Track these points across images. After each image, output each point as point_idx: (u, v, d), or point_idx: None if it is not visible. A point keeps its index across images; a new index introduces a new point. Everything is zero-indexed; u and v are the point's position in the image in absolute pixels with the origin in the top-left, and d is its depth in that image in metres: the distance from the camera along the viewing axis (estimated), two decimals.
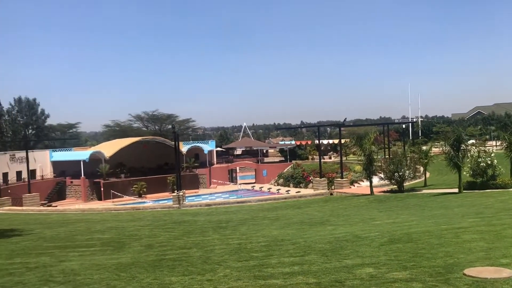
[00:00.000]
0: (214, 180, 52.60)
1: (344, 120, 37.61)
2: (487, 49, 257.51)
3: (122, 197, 42.77)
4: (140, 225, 16.76)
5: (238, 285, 6.19)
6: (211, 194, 44.71)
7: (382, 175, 28.47)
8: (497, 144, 40.83)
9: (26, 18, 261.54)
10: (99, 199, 43.71)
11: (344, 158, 40.25)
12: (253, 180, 53.96)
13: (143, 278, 6.92)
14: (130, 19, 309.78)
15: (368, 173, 27.46)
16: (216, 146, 61.06)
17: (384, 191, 27.06)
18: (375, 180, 29.49)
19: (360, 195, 26.57)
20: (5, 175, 40.70)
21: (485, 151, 24.87)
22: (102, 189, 43.81)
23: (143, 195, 44.19)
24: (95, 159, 45.72)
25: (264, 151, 64.38)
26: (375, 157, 27.71)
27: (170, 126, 66.06)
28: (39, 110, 70.45)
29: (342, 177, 32.94)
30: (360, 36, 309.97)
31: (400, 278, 6.08)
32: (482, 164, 23.68)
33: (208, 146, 56.11)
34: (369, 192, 26.39)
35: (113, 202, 39.90)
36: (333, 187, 32.35)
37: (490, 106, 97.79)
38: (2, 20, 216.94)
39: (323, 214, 18.61)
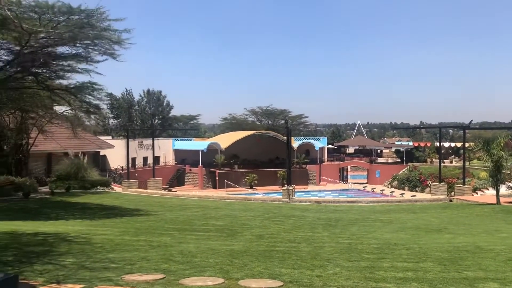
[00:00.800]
0: (324, 178, 52.25)
1: (470, 122, 34.72)
2: None
3: (235, 187, 44.58)
4: (251, 215, 17.27)
5: (348, 284, 6.06)
6: (320, 191, 44.52)
7: (511, 184, 25.84)
8: None
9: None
10: (214, 187, 46.09)
11: (467, 163, 37.27)
12: (365, 181, 52.52)
13: (254, 267, 7.11)
14: (259, 17, 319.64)
15: (495, 181, 25.05)
16: (328, 143, 60.51)
17: None
18: (503, 189, 26.82)
19: (484, 204, 24.38)
20: (134, 159, 44.82)
21: None
22: (217, 178, 46.14)
23: (254, 187, 45.58)
24: (212, 149, 48.24)
25: (378, 151, 62.23)
26: (504, 164, 25.14)
27: (282, 121, 67.05)
28: (165, 101, 76.29)
29: (464, 183, 30.51)
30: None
31: None
32: None
33: (320, 143, 55.84)
34: (494, 202, 24.08)
35: (226, 191, 41.74)
36: (453, 193, 30.14)
37: None
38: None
39: (441, 221, 17.42)
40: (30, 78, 18.88)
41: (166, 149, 51.56)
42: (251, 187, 45.53)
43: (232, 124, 75.40)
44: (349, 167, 56.14)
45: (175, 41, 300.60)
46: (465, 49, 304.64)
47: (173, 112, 78.89)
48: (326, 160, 56.64)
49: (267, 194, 38.17)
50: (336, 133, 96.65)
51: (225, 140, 50.93)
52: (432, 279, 6.59)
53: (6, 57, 17.19)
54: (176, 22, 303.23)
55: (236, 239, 10.71)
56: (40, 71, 18.40)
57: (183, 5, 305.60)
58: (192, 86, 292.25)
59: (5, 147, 27.71)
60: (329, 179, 52.07)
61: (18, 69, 17.53)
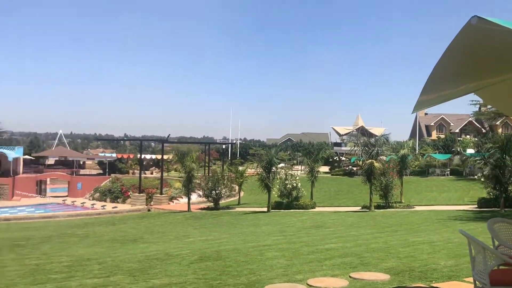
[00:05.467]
0: (18, 192, 46.87)
1: (168, 136, 37.64)
2: (301, 85, 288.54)
3: None
4: None
5: None
6: (12, 207, 39.60)
7: (200, 192, 29.16)
8: (302, 168, 45.65)
9: None
10: None
11: (166, 174, 40.10)
12: (66, 193, 49.76)
13: None
14: None
15: (187, 190, 27.82)
16: (25, 154, 54.71)
17: (201, 208, 27.71)
18: (194, 197, 30.03)
19: (178, 212, 26.68)
20: None
21: (291, 174, 27.52)
22: None
23: None
24: None
25: (81, 162, 60.11)
26: (195, 174, 28.25)
27: None
28: None
29: (161, 193, 32.67)
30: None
31: None
32: (288, 186, 26.18)
33: (14, 153, 49.89)
34: (186, 209, 26.69)
35: None
36: (151, 203, 31.84)
37: (299, 134, 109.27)
38: None
39: (138, 231, 18.08)
40: None
41: None
42: None
43: None
44: (48, 179, 52.10)
45: None
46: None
47: None
48: (21, 172, 50.97)
49: None
50: (35, 143, 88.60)
51: None
52: None
53: None
54: None
55: None
56: None
57: None
58: None
59: None
60: (25, 193, 47.00)
61: None
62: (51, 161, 60.51)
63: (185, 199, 33.33)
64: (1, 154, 48.12)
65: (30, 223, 22.87)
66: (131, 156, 61.51)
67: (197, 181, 29.02)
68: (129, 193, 41.36)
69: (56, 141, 79.20)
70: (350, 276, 7.37)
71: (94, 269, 8.68)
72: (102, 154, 69.32)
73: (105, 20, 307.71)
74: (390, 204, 25.23)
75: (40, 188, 50.21)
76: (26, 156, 55.72)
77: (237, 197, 32.80)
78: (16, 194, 46.68)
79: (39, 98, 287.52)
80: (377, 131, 62.62)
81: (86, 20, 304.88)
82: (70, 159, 58.36)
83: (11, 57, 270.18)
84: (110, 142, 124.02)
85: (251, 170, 33.03)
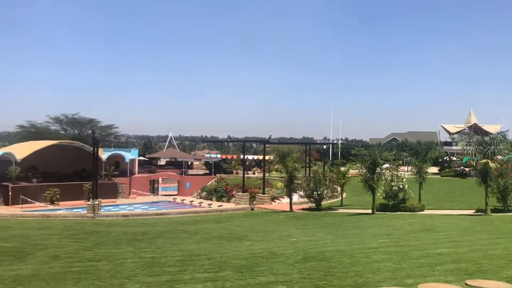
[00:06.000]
0: (134, 190, 50.89)
1: (269, 137, 38.21)
2: (404, 81, 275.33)
3: (33, 203, 39.99)
4: (48, 234, 15.68)
5: None
6: (129, 204, 43.13)
7: (302, 193, 29.16)
8: (409, 169, 43.56)
9: None
10: (6, 203, 40.47)
11: (267, 174, 40.82)
12: (175, 192, 52.96)
13: None
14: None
15: (289, 190, 28.00)
16: (139, 155, 59.27)
17: (303, 209, 27.70)
18: (295, 197, 30.14)
19: (280, 212, 26.98)
20: None
21: (397, 175, 26.34)
22: (10, 193, 40.65)
23: (55, 202, 41.60)
24: (5, 160, 42.46)
25: (189, 163, 63.54)
26: (296, 175, 28.34)
27: (90, 131, 63.29)
28: None
29: (264, 193, 33.30)
30: (292, 59, 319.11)
31: None
32: (394, 187, 25.10)
33: (130, 155, 54.30)
34: (288, 209, 26.88)
35: (21, 208, 37.12)
36: (254, 202, 32.59)
37: (404, 134, 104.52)
38: None
39: (242, 229, 18.60)
40: None
41: None
42: (52, 203, 41.43)
43: (30, 133, 67.70)
44: (160, 179, 55.93)
45: None
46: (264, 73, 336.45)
47: None
48: (137, 172, 55.31)
49: (70, 209, 35.31)
50: (148, 145, 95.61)
51: (21, 150, 45.36)
52: (229, 287, 6.90)
53: None
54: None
55: (25, 262, 9.54)
56: None
57: None
58: None
59: None
60: (140, 191, 50.94)
61: None
62: (162, 162, 64.85)
63: (286, 199, 33.61)
64: (119, 156, 52.63)
65: (145, 219, 24.66)
66: (235, 156, 63.59)
67: (298, 182, 29.07)
68: (233, 193, 42.79)
69: (167, 143, 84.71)
70: (466, 284, 6.85)
71: (204, 264, 9.10)
72: (208, 155, 72.63)
73: (209, 24, 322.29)
74: (510, 207, 23.03)
75: (153, 187, 54.06)
76: (141, 157, 60.34)
77: (340, 198, 32.25)
78: (133, 193, 50.71)
79: (151, 103, 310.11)
80: (492, 128, 57.56)
81: (181, 23, 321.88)
82: (179, 160, 62.00)
83: (133, 69, 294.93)
84: (215, 143, 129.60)
85: (354, 170, 32.28)
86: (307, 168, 38.77)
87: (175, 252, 11.10)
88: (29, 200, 40.59)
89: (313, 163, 51.21)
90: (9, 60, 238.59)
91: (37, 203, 40.42)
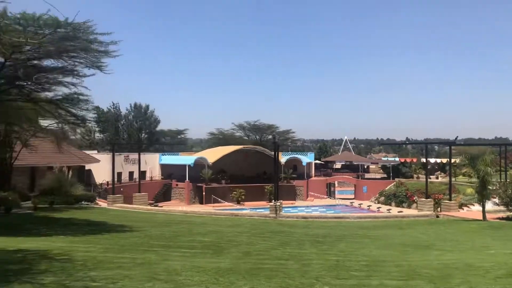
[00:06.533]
0: (311, 193, 52.19)
1: (456, 138, 34.94)
2: None
3: (222, 202, 44.24)
4: (238, 231, 17.05)
5: None
6: (307, 206, 44.36)
7: (497, 200, 25.98)
8: None
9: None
10: (201, 202, 45.66)
11: (453, 179, 37.50)
12: (352, 196, 52.58)
13: (241, 285, 6.94)
14: (240, 29, 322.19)
15: (481, 197, 25.19)
16: (315, 159, 60.62)
17: (499, 218, 24.64)
18: (489, 205, 26.96)
19: (470, 220, 24.50)
20: (119, 174, 44.27)
21: None
22: (204, 193, 45.74)
23: (241, 202, 45.28)
24: (199, 164, 47.94)
25: (365, 166, 62.44)
26: (490, 180, 25.32)
27: (270, 136, 67.11)
28: (152, 116, 75.93)
29: (450, 199, 30.66)
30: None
31: None
32: None
33: (307, 158, 55.91)
34: (481, 218, 24.19)
35: (213, 206, 41.37)
36: (439, 209, 30.25)
37: None
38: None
39: (428, 237, 17.38)
40: (15, 91, 18.57)
41: (152, 163, 51.11)
42: (238, 202, 45.24)
43: (219, 139, 75.23)
44: (336, 182, 56.24)
45: (162, 55, 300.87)
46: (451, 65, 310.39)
47: (160, 127, 78.64)
48: (313, 175, 56.66)
49: (254, 209, 37.94)
50: (323, 149, 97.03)
51: (212, 154, 50.70)
52: None
53: None
54: (162, 36, 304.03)
55: (222, 256, 10.50)
56: (25, 83, 18.12)
57: (170, 19, 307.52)
58: (179, 101, 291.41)
59: None
60: (316, 194, 52.02)
61: (2, 81, 17.25)
62: (338, 165, 65.04)
63: (477, 207, 30.34)
64: (297, 159, 54.60)
65: (325, 222, 24.96)
66: (414, 160, 60.10)
67: (493, 187, 25.93)
68: (415, 198, 40.49)
69: (342, 147, 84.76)
70: None
71: (392, 271, 8.74)
72: (385, 159, 70.26)
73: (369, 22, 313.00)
74: None
75: (329, 190, 54.61)
76: (317, 161, 61.62)
77: None
78: (310, 195, 52.06)
79: (325, 108, 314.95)
80: None
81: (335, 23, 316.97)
82: (355, 163, 61.41)
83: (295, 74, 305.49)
84: (392, 146, 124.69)
85: None
86: (503, 173, 34.36)
87: (359, 257, 10.93)
88: (219, 199, 44.93)
89: (510, 167, 45.16)
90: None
91: (226, 203, 44.52)
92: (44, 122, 27.21)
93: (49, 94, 19.56)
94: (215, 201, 44.33)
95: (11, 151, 28.18)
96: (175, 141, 79.52)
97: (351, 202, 47.81)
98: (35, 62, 16.60)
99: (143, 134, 74.68)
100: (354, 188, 53.58)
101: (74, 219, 20.00)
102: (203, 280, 7.17)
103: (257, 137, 75.17)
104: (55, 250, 10.18)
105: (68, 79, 18.26)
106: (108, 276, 7.27)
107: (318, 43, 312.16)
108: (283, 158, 52.24)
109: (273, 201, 28.26)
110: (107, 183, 39.90)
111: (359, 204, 45.82)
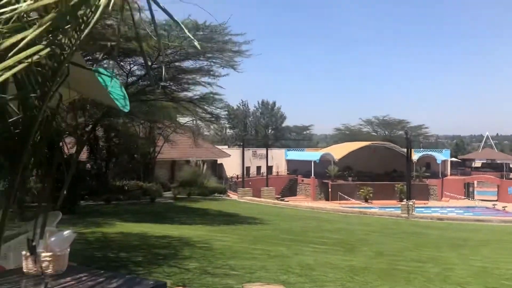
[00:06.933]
0: (447, 193, 48.58)
1: None
2: None
3: (348, 199, 43.47)
4: (368, 230, 16.58)
5: None
6: (442, 207, 41.37)
7: None
8: None
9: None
10: (326, 199, 45.45)
11: None
12: (495, 198, 47.72)
13: (377, 286, 6.70)
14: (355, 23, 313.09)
15: None
16: (451, 156, 56.26)
17: None
18: None
19: None
20: (248, 168, 46.12)
21: None
22: (329, 189, 45.44)
23: (369, 200, 44.00)
24: (325, 160, 47.72)
25: (510, 165, 56.18)
26: None
27: (400, 132, 64.00)
28: (279, 112, 77.69)
29: None
30: None
31: None
32: None
33: (442, 156, 52.15)
34: None
35: (339, 203, 40.86)
36: None
37: None
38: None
39: None
40: (158, 91, 20.40)
41: (278, 159, 52.25)
42: (366, 201, 44.03)
43: (345, 135, 73.99)
44: (475, 182, 51.51)
45: (289, 54, 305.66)
46: None
47: (286, 123, 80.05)
48: (449, 174, 52.67)
49: (383, 208, 36.58)
50: (460, 145, 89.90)
51: (338, 151, 50.08)
52: None
53: (138, 72, 18.83)
54: (289, 33, 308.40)
55: (354, 254, 10.28)
56: (168, 84, 19.79)
57: (295, 16, 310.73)
58: (305, 97, 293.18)
59: (136, 155, 30.32)
60: (452, 194, 48.26)
61: (148, 83, 19.06)
62: (477, 163, 59.58)
63: None
64: (430, 157, 51.29)
65: (462, 225, 23.04)
66: None
67: None
68: None
69: (482, 143, 77.45)
70: None
71: None
72: None
73: None
74: None
75: (467, 191, 50.29)
76: (453, 159, 57.13)
77: None
78: (445, 195, 48.52)
79: (462, 101, 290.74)
80: None
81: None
82: (498, 161, 55.65)
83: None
84: None
85: None
86: None
87: (509, 265, 9.84)
88: (345, 197, 44.26)
89: None
90: None
91: (352, 200, 43.67)
92: (182, 120, 29.63)
93: (188, 94, 21.09)
94: (342, 198, 43.72)
95: (154, 146, 31.17)
96: (301, 137, 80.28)
97: (493, 204, 43.38)
98: (177, 64, 18.00)
99: (269, 130, 76.83)
100: (497, 189, 48.55)
101: (210, 210, 21.35)
102: (338, 277, 7.07)
103: (386, 132, 72.25)
104: (196, 237, 10.95)
105: (205, 79, 19.48)
106: (246, 265, 7.57)
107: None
108: (415, 155, 49.41)
109: (404, 200, 26.95)
110: (237, 177, 41.85)
111: (503, 207, 41.38)
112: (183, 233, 12.00)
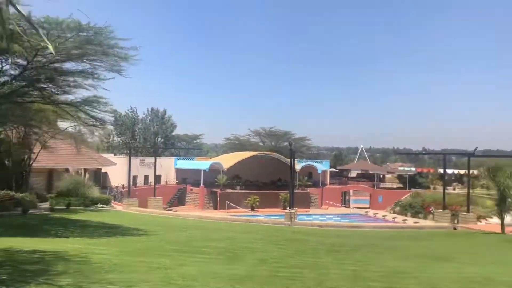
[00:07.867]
0: (326, 201, 51.85)
1: (475, 149, 34.38)
2: None
3: (236, 208, 44.17)
4: (253, 238, 16.96)
5: None
6: (322, 214, 44.05)
7: None
8: None
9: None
10: (215, 208, 45.66)
11: (470, 191, 36.82)
12: (367, 205, 52.05)
13: None
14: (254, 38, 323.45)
15: (501, 210, 24.69)
16: (330, 167, 60.25)
17: None
18: (508, 218, 26.40)
19: (488, 233, 24.02)
20: (135, 178, 44.56)
21: None
22: (218, 198, 45.75)
23: (255, 208, 45.15)
24: (214, 169, 48.01)
25: (381, 176, 61.82)
26: (510, 192, 24.79)
27: (286, 143, 66.90)
28: (169, 120, 76.39)
29: (468, 211, 30.12)
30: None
31: None
32: None
33: (322, 166, 55.64)
34: (499, 231, 23.71)
35: (227, 212, 41.33)
36: (456, 221, 29.76)
37: None
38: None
39: (446, 249, 17.07)
40: (36, 93, 18.83)
41: (167, 168, 51.35)
42: (252, 209, 45.13)
43: (235, 145, 75.35)
44: (351, 191, 55.74)
45: (178, 59, 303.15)
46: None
47: (177, 131, 79.03)
48: (328, 183, 56.34)
49: (268, 216, 37.83)
50: (338, 157, 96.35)
51: (227, 160, 50.76)
52: None
53: (12, 72, 17.19)
54: (178, 40, 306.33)
55: (238, 262, 10.43)
56: (46, 86, 18.38)
57: (184, 22, 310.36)
58: (195, 106, 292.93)
59: (7, 161, 27.58)
60: (332, 202, 51.66)
61: (24, 83, 17.49)
62: (353, 173, 64.55)
63: (495, 220, 29.73)
64: (312, 167, 54.38)
65: (339, 231, 24.70)
66: (431, 170, 59.34)
67: None
68: (431, 209, 39.85)
69: (358, 155, 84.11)
70: None
71: (411, 283, 8.56)
72: (401, 168, 69.47)
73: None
74: None
75: (344, 199, 54.17)
76: (332, 169, 61.21)
77: None
78: (325, 203, 51.73)
79: (340, 115, 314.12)
80: None
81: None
82: (370, 172, 60.87)
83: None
84: (408, 156, 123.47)
85: None
86: None
87: (376, 267, 10.76)
88: (233, 205, 44.88)
89: None
90: None
91: (240, 208, 44.44)
92: (63, 125, 27.61)
93: (69, 97, 19.77)
94: (230, 207, 44.28)
95: (30, 153, 28.62)
96: (191, 146, 79.85)
97: (366, 212, 47.34)
98: (57, 65, 16.80)
99: (159, 138, 75.14)
100: (369, 198, 53.06)
101: (90, 221, 20.14)
102: (219, 287, 7.11)
103: (273, 143, 75.06)
104: (72, 251, 10.23)
105: (88, 81, 18.44)
106: (125, 279, 7.26)
107: (337, 46, 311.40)
108: (298, 165, 52.01)
109: (288, 208, 28.12)
110: (123, 186, 40.19)
111: (374, 214, 45.36)
112: (58, 247, 11.14)
